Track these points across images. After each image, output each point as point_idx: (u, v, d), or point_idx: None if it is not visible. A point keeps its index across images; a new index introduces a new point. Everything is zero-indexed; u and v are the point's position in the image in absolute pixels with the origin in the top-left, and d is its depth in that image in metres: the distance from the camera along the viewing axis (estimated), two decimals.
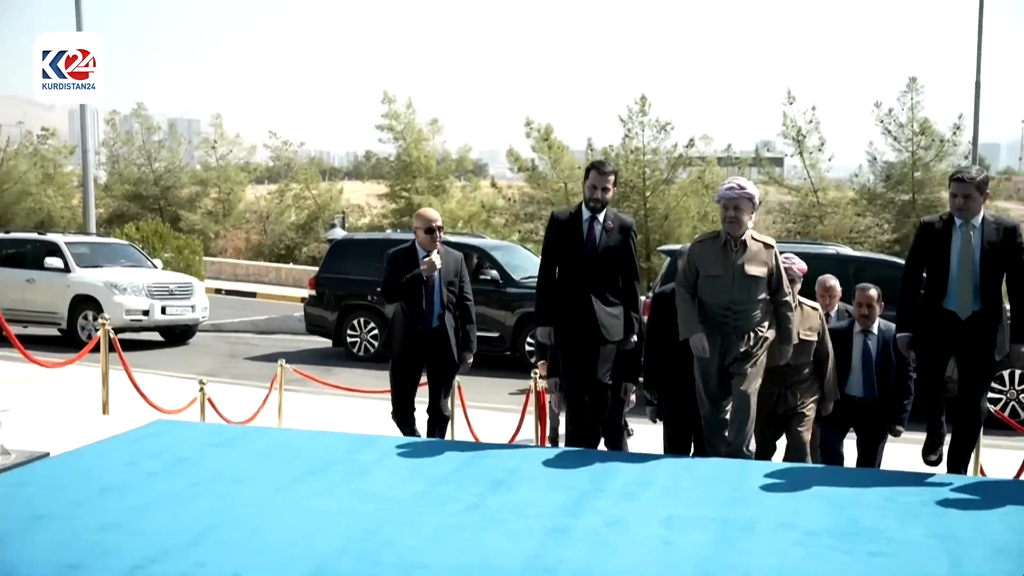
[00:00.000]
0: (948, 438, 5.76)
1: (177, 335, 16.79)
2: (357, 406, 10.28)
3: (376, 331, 14.66)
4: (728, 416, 5.81)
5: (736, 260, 5.70)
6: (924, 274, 5.66)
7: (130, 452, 5.60)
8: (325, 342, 15.65)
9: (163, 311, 15.93)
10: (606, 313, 6.01)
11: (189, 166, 40.16)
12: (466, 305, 7.08)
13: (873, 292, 6.62)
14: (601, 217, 6.08)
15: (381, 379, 8.47)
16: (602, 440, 6.46)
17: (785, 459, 6.24)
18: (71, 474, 5.16)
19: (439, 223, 7.01)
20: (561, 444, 7.22)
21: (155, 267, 17.63)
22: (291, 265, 31.38)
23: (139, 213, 34.83)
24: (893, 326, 6.41)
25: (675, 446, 6.34)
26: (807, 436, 6.28)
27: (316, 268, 18.66)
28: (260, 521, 4.46)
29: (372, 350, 14.50)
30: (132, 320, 15.46)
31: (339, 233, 22.37)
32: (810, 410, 6.32)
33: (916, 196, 28.16)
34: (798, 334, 5.99)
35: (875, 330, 6.53)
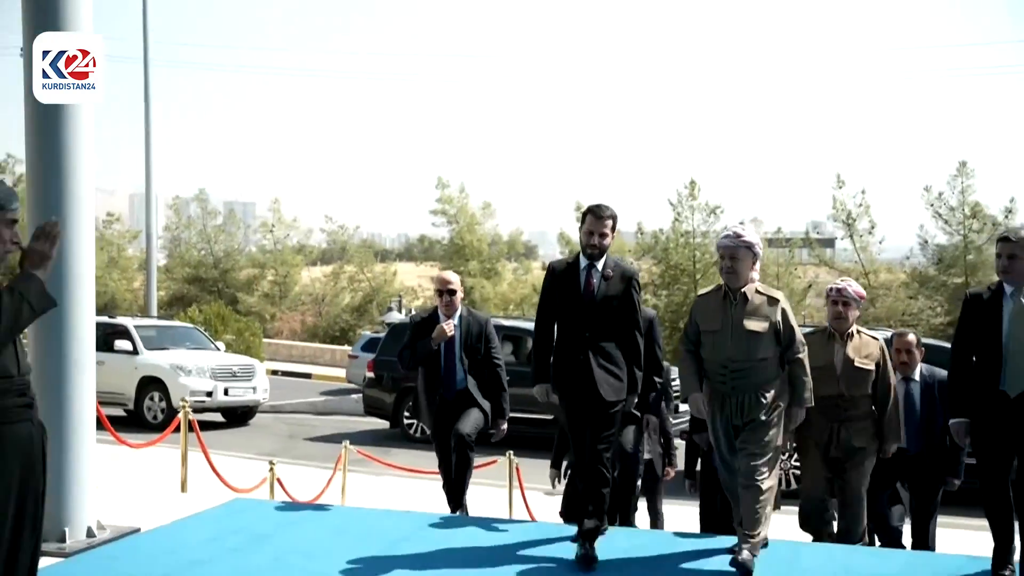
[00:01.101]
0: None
1: (238, 416, 17.21)
2: (416, 486, 10.53)
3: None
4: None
5: (735, 314, 5.27)
6: (974, 353, 5.14)
7: (213, 528, 5.92)
8: (382, 423, 15.95)
9: (226, 392, 16.39)
10: (604, 369, 5.45)
11: (246, 249, 41.14)
12: (496, 371, 6.84)
13: (911, 337, 6.52)
14: (600, 265, 5.57)
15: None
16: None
17: (838, 513, 5.90)
18: (161, 549, 5.47)
19: (453, 286, 6.82)
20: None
21: (218, 349, 18.16)
22: (346, 347, 31.89)
23: (198, 295, 35.72)
24: (938, 371, 6.34)
25: (709, 522, 6.24)
26: (862, 485, 5.82)
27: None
28: None
29: (427, 432, 14.80)
30: (196, 401, 15.88)
31: (396, 316, 22.83)
32: (869, 454, 5.85)
33: (969, 279, 28.10)
34: (811, 399, 5.40)
35: (916, 377, 6.35)
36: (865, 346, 5.93)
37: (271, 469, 8.70)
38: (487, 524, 6.36)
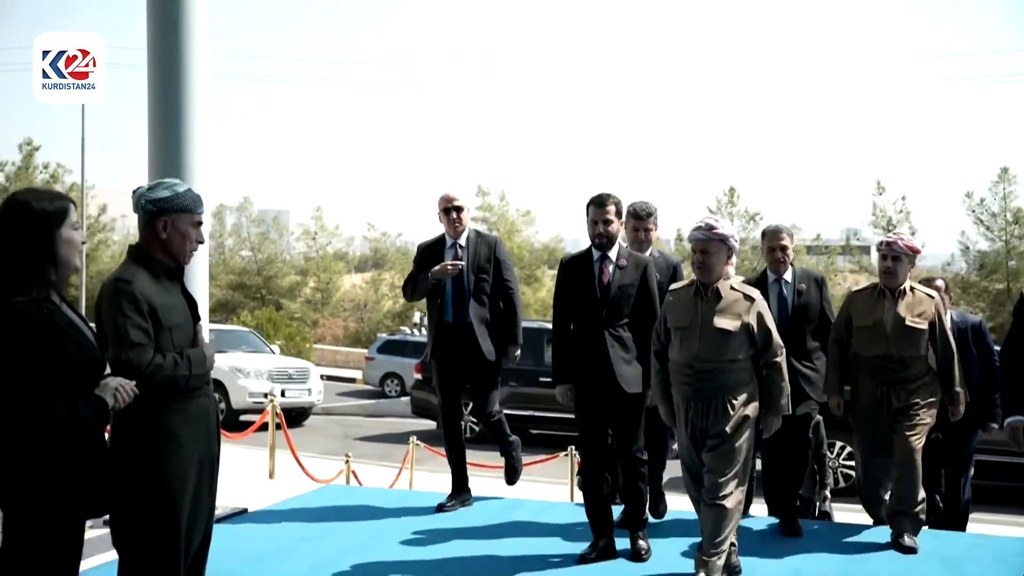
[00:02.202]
0: None
1: (293, 417, 17.70)
2: (477, 482, 10.90)
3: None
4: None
5: (705, 311, 4.86)
6: None
7: (315, 510, 6.33)
8: (429, 424, 16.36)
9: (283, 394, 16.85)
10: (623, 361, 5.26)
11: (290, 257, 41.86)
12: (508, 295, 6.31)
13: (940, 283, 6.45)
14: (613, 255, 5.39)
15: (488, 457, 9.09)
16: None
17: (893, 481, 5.65)
18: (271, 527, 5.88)
19: (458, 202, 6.25)
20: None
21: (274, 352, 18.67)
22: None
23: (242, 302, 36.41)
24: (969, 316, 6.58)
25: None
26: (917, 444, 5.50)
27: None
28: (435, 568, 5.20)
29: (476, 430, 15.21)
30: (255, 402, 16.38)
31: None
32: (923, 415, 5.55)
33: (1011, 284, 28.16)
34: (788, 406, 4.96)
35: (948, 323, 5.90)
36: (918, 304, 5.62)
37: (347, 462, 9.13)
38: (557, 508, 6.71)
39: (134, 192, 3.67)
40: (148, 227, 3.62)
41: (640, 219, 6.02)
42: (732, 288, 4.90)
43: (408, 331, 28.41)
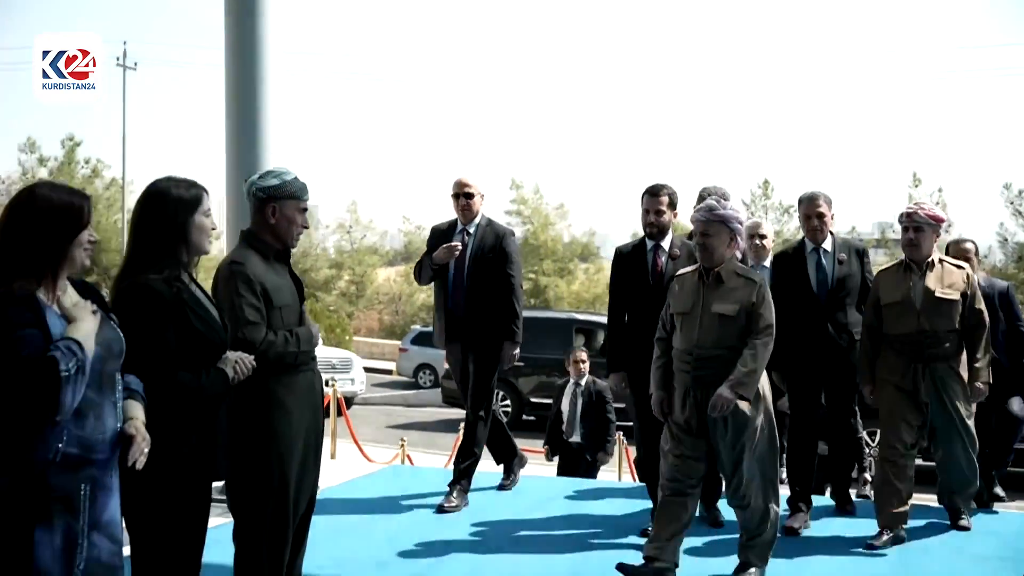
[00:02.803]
0: None
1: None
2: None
3: (509, 402, 15.67)
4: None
5: (706, 296, 4.68)
6: None
7: (385, 487, 6.63)
8: (461, 412, 16.64)
9: (327, 383, 17.17)
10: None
11: (324, 250, 42.30)
12: (508, 288, 6.00)
13: (969, 245, 6.41)
14: (665, 244, 5.43)
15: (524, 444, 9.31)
16: None
17: (937, 467, 5.57)
18: (345, 502, 6.18)
19: (470, 188, 6.06)
20: None
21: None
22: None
23: None
24: (997, 281, 6.63)
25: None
26: (960, 425, 5.34)
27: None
28: (501, 540, 5.47)
29: (504, 419, 15.52)
30: None
31: None
32: (961, 394, 5.37)
33: None
34: (749, 391, 4.57)
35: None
36: (948, 275, 5.40)
37: (402, 446, 9.44)
38: (629, 490, 6.95)
39: (245, 180, 3.96)
40: (258, 212, 3.91)
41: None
42: (736, 273, 4.70)
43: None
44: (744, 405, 4.53)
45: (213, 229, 3.52)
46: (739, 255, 4.86)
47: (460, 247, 5.94)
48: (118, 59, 36.24)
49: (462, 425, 10.60)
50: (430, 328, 25.67)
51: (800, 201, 5.91)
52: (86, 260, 2.97)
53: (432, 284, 6.21)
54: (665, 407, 4.80)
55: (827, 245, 5.83)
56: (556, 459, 8.69)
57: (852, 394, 5.87)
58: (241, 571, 3.85)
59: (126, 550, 3.20)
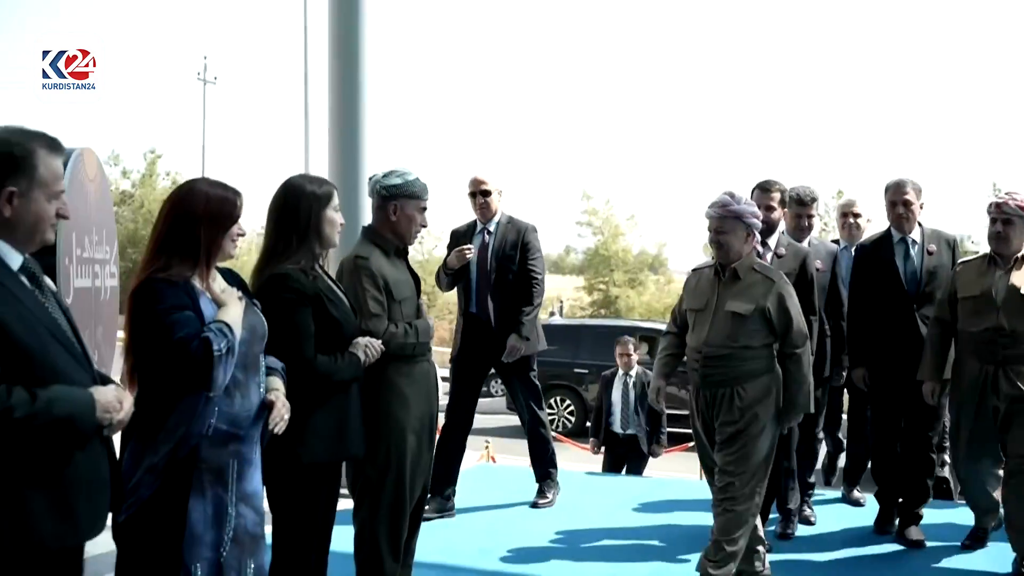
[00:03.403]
0: None
1: None
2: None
3: (573, 408, 15.81)
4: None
5: (721, 293, 4.51)
6: None
7: (476, 484, 6.81)
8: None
9: None
10: None
11: None
12: (529, 282, 5.76)
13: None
14: (772, 243, 5.29)
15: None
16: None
17: (1003, 483, 5.01)
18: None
19: (486, 186, 5.87)
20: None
21: None
22: None
23: None
24: None
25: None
26: None
27: None
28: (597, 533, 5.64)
29: (569, 426, 15.63)
30: None
31: (558, 320, 23.69)
32: None
33: None
34: (808, 405, 4.49)
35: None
36: None
37: (487, 447, 9.60)
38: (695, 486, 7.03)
39: (370, 179, 4.16)
40: (380, 210, 4.10)
41: (803, 205, 5.76)
42: (753, 269, 4.51)
43: None
44: (768, 405, 4.40)
45: (341, 224, 3.72)
46: (758, 250, 4.71)
47: (470, 249, 5.75)
48: (199, 73, 37.26)
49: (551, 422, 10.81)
50: None
51: (887, 188, 5.59)
52: (233, 251, 3.19)
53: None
54: (660, 397, 4.76)
55: (915, 235, 5.53)
56: (603, 451, 8.53)
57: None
58: (361, 550, 4.03)
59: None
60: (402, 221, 4.09)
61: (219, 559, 3.05)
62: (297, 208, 3.58)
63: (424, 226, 4.18)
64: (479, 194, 5.87)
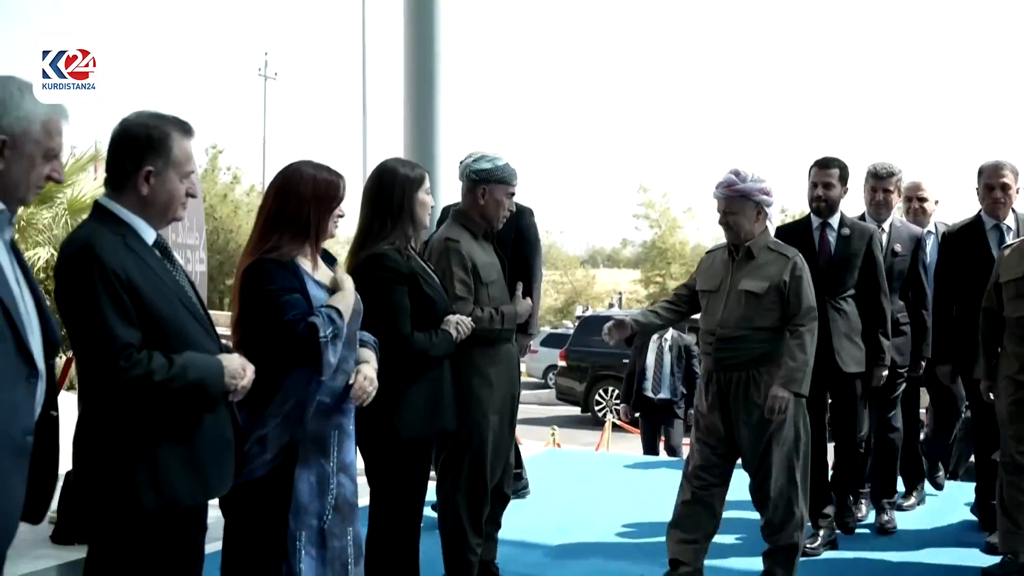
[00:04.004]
0: None
1: None
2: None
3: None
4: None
5: (734, 273, 4.32)
6: None
7: (547, 467, 6.95)
8: (573, 409, 16.96)
9: None
10: (844, 336, 4.91)
11: None
12: (526, 273, 5.12)
13: None
14: (834, 222, 5.04)
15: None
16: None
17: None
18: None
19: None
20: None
21: None
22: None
23: None
24: None
25: None
26: None
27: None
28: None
29: (620, 415, 15.73)
30: None
31: (616, 312, 23.83)
32: None
33: None
34: (803, 385, 4.16)
35: None
36: None
37: (552, 434, 9.74)
38: None
39: (461, 162, 4.27)
40: (470, 193, 4.20)
41: (879, 179, 5.40)
42: (768, 248, 4.32)
43: (571, 325, 29.10)
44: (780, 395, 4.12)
45: (432, 207, 3.85)
46: (770, 228, 4.47)
47: None
48: (259, 69, 37.77)
49: (610, 416, 10.97)
50: (560, 330, 26.13)
51: (981, 171, 5.21)
52: (335, 231, 3.33)
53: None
54: (616, 333, 4.38)
55: (1009, 221, 5.16)
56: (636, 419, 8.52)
57: None
58: (445, 523, 4.16)
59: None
60: (490, 205, 4.16)
61: (322, 527, 3.21)
62: (391, 191, 3.70)
63: (512, 211, 4.26)
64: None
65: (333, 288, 3.23)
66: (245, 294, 3.18)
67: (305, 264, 3.22)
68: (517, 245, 5.26)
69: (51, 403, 2.39)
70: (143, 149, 2.61)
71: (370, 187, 3.79)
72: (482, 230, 4.20)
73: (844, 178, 5.07)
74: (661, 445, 8.71)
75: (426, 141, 6.87)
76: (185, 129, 2.68)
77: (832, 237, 5.03)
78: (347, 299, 3.20)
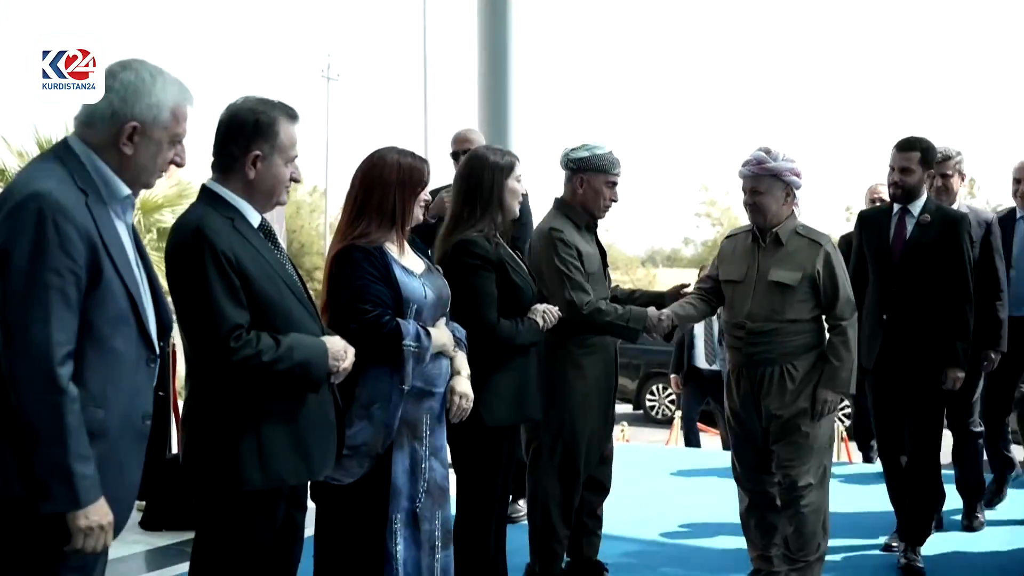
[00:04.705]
0: None
1: None
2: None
3: (672, 396, 15.78)
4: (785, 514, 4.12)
5: (761, 261, 4.05)
6: None
7: (620, 461, 6.90)
8: (623, 407, 16.89)
9: None
10: (917, 337, 4.53)
11: None
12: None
13: None
14: (915, 209, 4.62)
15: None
16: None
17: None
18: None
19: (471, 146, 4.89)
20: None
21: None
22: None
23: None
24: None
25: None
26: None
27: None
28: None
29: (669, 413, 15.59)
30: None
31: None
32: None
33: None
34: (850, 383, 3.98)
35: None
36: None
37: (623, 430, 9.71)
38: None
39: (563, 152, 4.19)
40: (569, 183, 4.16)
41: (935, 164, 4.90)
42: (797, 233, 4.05)
43: None
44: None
45: (524, 195, 3.83)
46: (797, 214, 4.16)
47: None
48: (322, 71, 38.15)
49: (678, 413, 10.85)
50: None
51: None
52: (420, 216, 3.36)
53: None
54: (657, 328, 4.11)
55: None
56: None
57: None
58: (534, 511, 4.15)
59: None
60: (588, 194, 4.10)
61: (415, 510, 3.25)
62: (481, 178, 3.71)
63: (615, 201, 4.16)
64: (462, 154, 4.63)
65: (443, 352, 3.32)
66: (333, 281, 3.22)
67: (392, 250, 3.26)
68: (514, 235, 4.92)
69: (161, 384, 2.44)
70: (251, 134, 2.66)
71: (460, 174, 3.82)
72: (584, 220, 4.14)
73: (927, 161, 4.63)
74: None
75: (499, 136, 6.91)
76: (291, 114, 2.73)
77: (911, 225, 4.60)
78: (441, 339, 3.26)
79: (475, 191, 3.73)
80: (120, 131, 2.25)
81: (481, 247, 3.65)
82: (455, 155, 5.24)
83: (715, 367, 7.92)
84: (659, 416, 15.85)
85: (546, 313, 3.80)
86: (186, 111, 2.35)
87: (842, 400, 4.06)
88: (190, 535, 3.67)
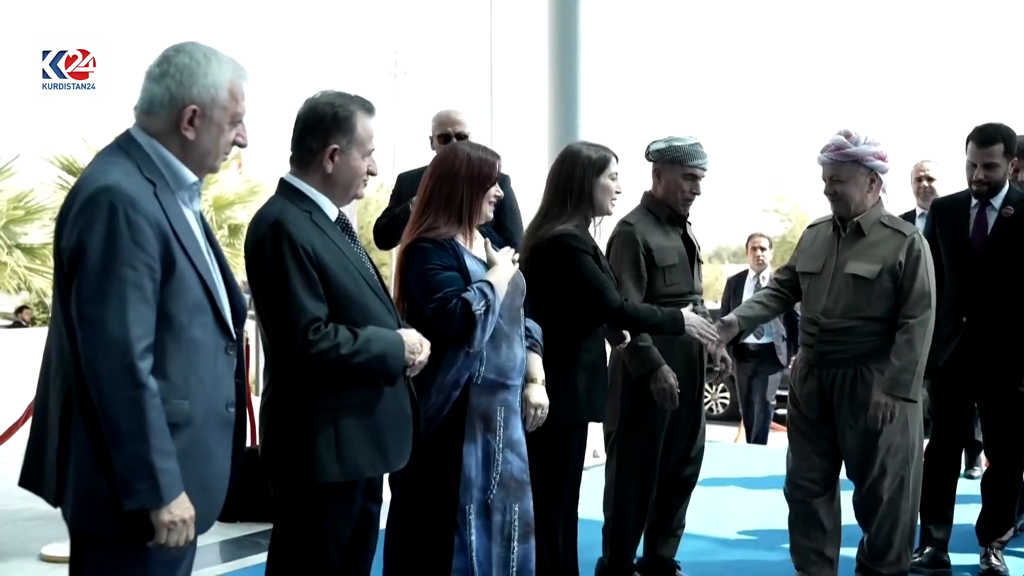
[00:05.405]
0: None
1: None
2: None
3: (727, 394, 15.46)
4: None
5: (841, 253, 3.79)
6: None
7: None
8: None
9: None
10: (997, 340, 4.27)
11: None
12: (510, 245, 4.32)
13: None
14: (996, 202, 4.33)
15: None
16: None
17: None
18: None
19: (461, 128, 4.74)
20: None
21: None
22: None
23: None
24: None
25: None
26: None
27: None
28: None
29: (723, 410, 15.29)
30: None
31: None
32: None
33: None
34: (913, 390, 3.66)
35: None
36: None
37: None
38: None
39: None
40: (652, 176, 4.13)
41: (1018, 157, 4.66)
42: (881, 223, 3.76)
43: None
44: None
45: (618, 192, 3.78)
46: (884, 201, 3.88)
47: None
48: (390, 68, 38.44)
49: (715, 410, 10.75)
50: None
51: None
52: (490, 212, 3.34)
53: None
54: (724, 334, 3.96)
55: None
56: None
57: None
58: (608, 504, 4.13)
59: None
60: (667, 186, 4.04)
61: (487, 501, 3.24)
62: (572, 172, 3.70)
63: (696, 193, 4.06)
64: (455, 137, 4.56)
65: (488, 264, 3.24)
66: (404, 273, 3.23)
67: (463, 243, 3.25)
68: (496, 214, 4.54)
69: (238, 372, 2.46)
70: (329, 128, 2.67)
71: (553, 168, 3.81)
72: (665, 213, 4.07)
73: (1010, 151, 4.33)
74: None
75: (568, 133, 6.90)
76: (368, 108, 2.73)
77: (991, 219, 4.33)
78: (499, 273, 3.20)
79: (565, 186, 3.72)
80: (180, 116, 2.21)
81: (577, 237, 3.64)
82: (445, 138, 4.64)
83: (763, 340, 7.58)
84: (714, 413, 15.61)
85: (702, 328, 3.72)
86: (243, 89, 2.30)
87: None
88: (266, 526, 3.70)
